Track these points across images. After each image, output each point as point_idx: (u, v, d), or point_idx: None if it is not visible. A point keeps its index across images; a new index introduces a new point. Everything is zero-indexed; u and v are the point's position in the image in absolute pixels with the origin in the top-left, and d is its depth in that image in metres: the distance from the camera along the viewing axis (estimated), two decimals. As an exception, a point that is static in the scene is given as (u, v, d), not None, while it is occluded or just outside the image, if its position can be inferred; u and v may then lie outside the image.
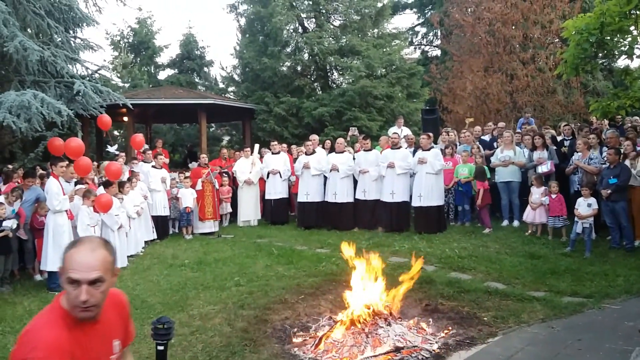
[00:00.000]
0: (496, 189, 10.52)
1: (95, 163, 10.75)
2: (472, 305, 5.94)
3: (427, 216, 10.20)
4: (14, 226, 7.71)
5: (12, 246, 8.09)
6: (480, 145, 11.30)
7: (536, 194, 9.40)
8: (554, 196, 9.02)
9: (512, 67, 16.81)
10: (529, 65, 16.90)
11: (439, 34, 24.63)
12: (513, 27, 16.83)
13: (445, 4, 19.88)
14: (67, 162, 8.09)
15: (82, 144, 8.36)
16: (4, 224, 7.64)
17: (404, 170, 10.52)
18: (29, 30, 11.31)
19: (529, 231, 9.44)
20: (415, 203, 10.36)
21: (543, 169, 9.75)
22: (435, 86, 19.80)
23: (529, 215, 9.47)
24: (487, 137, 12.14)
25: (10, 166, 10.61)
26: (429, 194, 10.16)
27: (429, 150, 10.39)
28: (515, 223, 10.23)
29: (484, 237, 9.43)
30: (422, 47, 28.28)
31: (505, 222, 10.40)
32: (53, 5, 11.28)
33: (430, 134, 11.11)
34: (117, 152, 11.62)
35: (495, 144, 11.31)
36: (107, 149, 12.75)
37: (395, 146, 10.90)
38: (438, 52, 26.00)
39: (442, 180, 10.40)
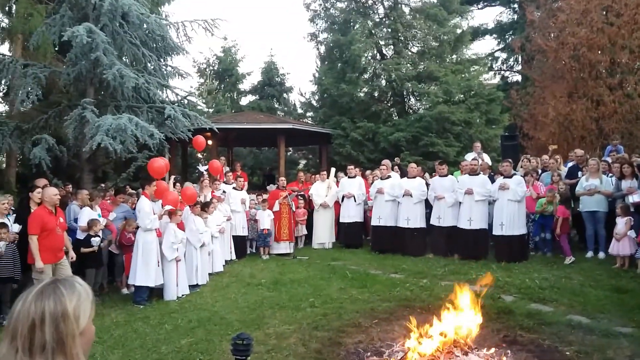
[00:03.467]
0: (581, 218, 10.10)
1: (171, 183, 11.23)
2: (554, 338, 5.71)
3: (509, 245, 9.91)
4: (98, 242, 8.23)
5: (102, 260, 8.67)
6: (561, 173, 10.94)
7: (621, 224, 8.95)
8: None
9: (598, 93, 16.14)
10: (617, 91, 16.16)
11: (520, 59, 24.09)
12: (599, 52, 16.19)
13: (527, 29, 19.47)
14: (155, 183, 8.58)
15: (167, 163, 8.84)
16: (92, 240, 8.19)
17: (483, 197, 10.34)
18: (124, 58, 12.16)
19: (617, 264, 8.96)
20: (497, 232, 10.09)
21: (634, 198, 9.25)
22: (515, 112, 19.34)
23: (614, 246, 9.01)
24: (569, 165, 11.70)
25: (102, 185, 11.35)
26: (511, 222, 9.90)
27: (510, 177, 10.17)
28: (601, 255, 9.73)
29: (567, 268, 9.04)
30: (502, 72, 27.76)
31: (590, 254, 9.93)
32: (148, 36, 12.08)
33: (511, 160, 10.85)
34: (207, 172, 12.18)
35: (579, 173, 10.89)
36: (198, 168, 13.40)
37: (474, 172, 10.75)
38: (519, 78, 25.41)
39: (524, 208, 10.10)
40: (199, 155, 23.34)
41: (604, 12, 16.17)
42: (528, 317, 6.41)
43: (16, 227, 7.36)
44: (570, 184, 10.52)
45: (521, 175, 10.68)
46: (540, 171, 11.54)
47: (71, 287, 1.50)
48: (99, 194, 9.28)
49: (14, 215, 7.75)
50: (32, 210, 7.49)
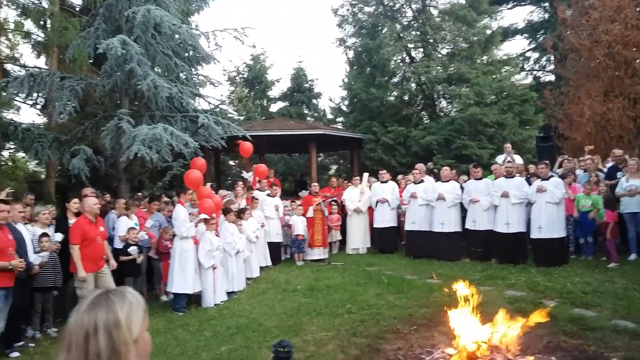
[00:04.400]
0: (622, 220, 9.85)
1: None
2: (599, 344, 5.56)
3: (548, 249, 9.70)
4: (136, 250, 8.37)
5: (141, 268, 8.80)
6: (599, 174, 10.69)
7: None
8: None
9: (635, 91, 15.71)
10: (655, 88, 15.73)
11: (553, 58, 23.67)
12: (635, 49, 15.79)
13: (559, 27, 19.11)
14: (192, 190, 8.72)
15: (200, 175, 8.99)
16: (129, 249, 8.32)
17: (519, 199, 10.17)
18: (157, 68, 12.35)
19: (662, 267, 8.69)
20: (535, 235, 9.91)
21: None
22: (549, 112, 18.96)
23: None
24: (608, 166, 11.43)
25: (139, 194, 11.53)
26: (549, 225, 9.70)
27: (548, 179, 9.97)
28: (644, 257, 9.48)
29: (609, 272, 8.80)
30: (534, 72, 27.29)
31: (632, 256, 9.64)
32: (179, 46, 12.26)
33: (548, 162, 10.64)
34: (250, 178, 12.36)
35: (619, 173, 10.62)
36: (241, 175, 13.65)
37: (509, 175, 10.59)
38: (552, 77, 24.95)
39: (563, 210, 9.89)
40: (231, 163, 23.59)
41: (638, 9, 15.78)
42: (571, 322, 6.27)
43: (59, 237, 7.52)
44: (610, 185, 10.28)
45: (559, 176, 10.48)
46: (581, 172, 11.28)
47: (122, 297, 1.53)
48: (134, 203, 9.43)
49: (54, 225, 7.93)
50: (69, 220, 7.68)
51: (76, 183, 11.03)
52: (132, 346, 1.47)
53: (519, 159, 13.20)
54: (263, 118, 24.72)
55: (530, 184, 10.50)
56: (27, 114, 26.84)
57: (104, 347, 1.42)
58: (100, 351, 1.42)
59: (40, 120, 18.10)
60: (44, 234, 7.17)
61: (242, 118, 24.84)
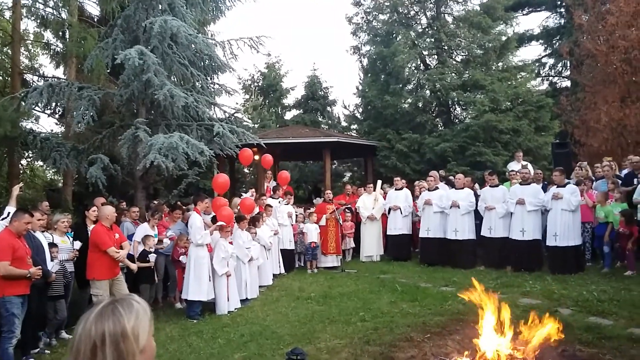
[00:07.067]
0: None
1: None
2: (615, 353, 5.50)
3: (564, 256, 9.62)
4: (154, 258, 8.46)
5: (156, 276, 8.87)
6: (618, 181, 10.56)
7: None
8: None
9: (653, 97, 15.56)
10: (672, 94, 15.54)
11: (569, 64, 23.49)
12: (651, 55, 15.62)
13: (575, 33, 18.98)
14: (209, 198, 8.79)
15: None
16: (149, 257, 8.40)
17: (535, 207, 10.10)
18: (173, 78, 12.49)
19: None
20: (550, 242, 9.83)
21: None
22: (566, 118, 18.79)
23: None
24: (624, 172, 11.30)
25: (155, 202, 11.64)
26: (565, 232, 9.63)
27: (564, 186, 9.89)
28: (663, 266, 9.33)
29: (626, 280, 8.69)
30: (550, 78, 27.08)
31: (650, 264, 9.52)
32: (196, 55, 12.39)
33: (562, 169, 10.56)
34: (277, 185, 12.53)
35: (635, 180, 10.49)
36: (268, 186, 13.90)
37: (525, 182, 10.53)
38: (568, 83, 24.74)
39: (579, 218, 9.81)
40: (246, 171, 23.71)
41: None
42: (587, 330, 6.20)
43: (77, 245, 7.62)
44: (626, 192, 10.15)
45: (574, 184, 10.38)
46: (594, 179, 11.18)
47: (129, 307, 1.52)
48: (157, 213, 9.44)
49: (73, 232, 8.03)
50: (88, 228, 7.78)
51: (93, 191, 11.17)
52: (138, 356, 1.47)
53: (530, 167, 13.12)
54: (278, 126, 24.85)
55: (546, 191, 10.43)
56: (46, 123, 27.21)
57: (110, 358, 1.43)
58: None
59: (59, 129, 18.37)
60: (52, 244, 7.17)
61: (256, 126, 25.00)
